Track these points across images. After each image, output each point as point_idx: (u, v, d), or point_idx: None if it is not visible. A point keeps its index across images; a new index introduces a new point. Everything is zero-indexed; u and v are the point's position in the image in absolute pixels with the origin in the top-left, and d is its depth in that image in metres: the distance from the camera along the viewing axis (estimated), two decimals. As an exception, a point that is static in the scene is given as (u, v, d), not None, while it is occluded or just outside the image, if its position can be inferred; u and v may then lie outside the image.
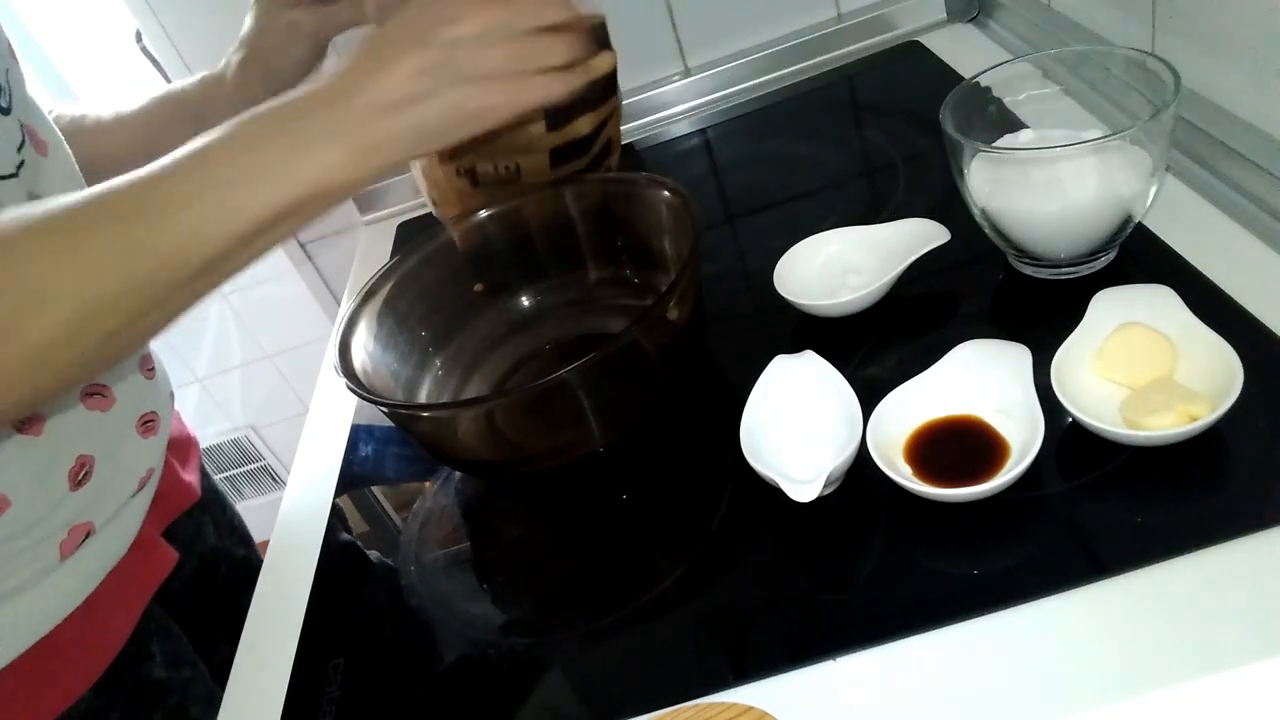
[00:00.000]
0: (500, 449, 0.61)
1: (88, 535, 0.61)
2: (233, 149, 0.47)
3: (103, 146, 0.72)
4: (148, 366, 0.69)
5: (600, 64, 0.59)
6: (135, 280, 0.44)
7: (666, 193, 0.67)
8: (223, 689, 0.61)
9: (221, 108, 0.70)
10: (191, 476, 0.77)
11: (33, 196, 0.57)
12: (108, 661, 0.63)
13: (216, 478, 1.93)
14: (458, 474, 0.69)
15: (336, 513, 0.71)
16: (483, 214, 0.75)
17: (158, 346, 0.72)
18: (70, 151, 0.65)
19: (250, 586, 0.69)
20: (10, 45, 0.60)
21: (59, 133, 0.64)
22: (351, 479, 0.74)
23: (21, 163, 0.56)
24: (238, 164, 0.46)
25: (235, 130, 0.47)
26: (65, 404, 0.59)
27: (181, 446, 0.77)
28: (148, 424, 0.67)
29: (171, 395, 0.74)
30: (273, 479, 1.75)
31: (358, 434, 0.78)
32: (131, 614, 0.66)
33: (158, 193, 0.45)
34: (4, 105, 0.57)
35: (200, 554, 0.77)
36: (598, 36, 0.60)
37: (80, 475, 0.60)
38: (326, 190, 0.48)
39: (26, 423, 0.57)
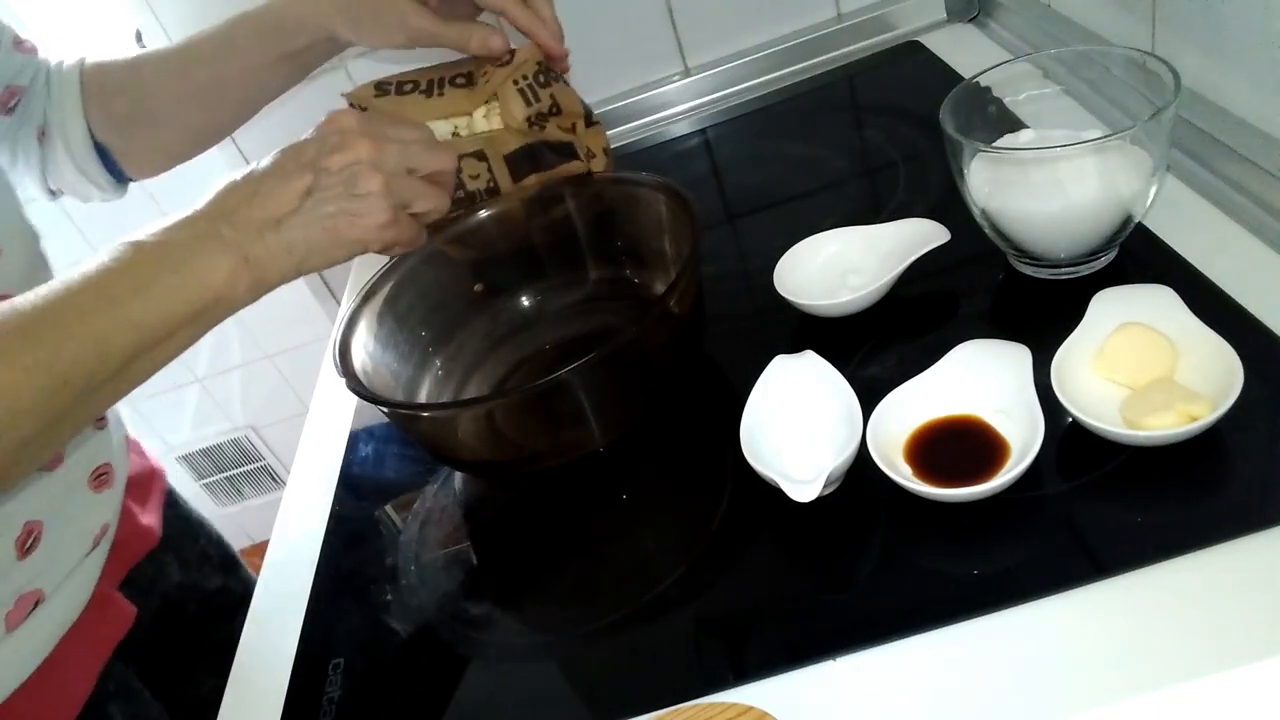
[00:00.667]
0: (500, 449, 0.61)
1: (37, 604, 0.59)
2: (125, 265, 0.48)
3: (182, 82, 0.72)
4: (98, 418, 0.66)
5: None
6: (44, 390, 0.45)
7: (666, 193, 0.67)
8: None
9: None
10: (151, 518, 0.74)
11: None
12: None
13: (216, 478, 1.92)
14: (458, 474, 0.69)
15: (336, 513, 0.71)
16: (483, 214, 0.75)
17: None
18: (14, 191, 0.65)
19: (230, 615, 0.66)
20: None
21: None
22: (351, 479, 0.74)
23: None
24: (129, 279, 0.48)
25: (128, 247, 0.49)
26: None
27: (142, 484, 0.75)
28: (100, 477, 0.65)
29: (126, 439, 0.72)
30: (273, 479, 1.75)
31: (358, 434, 0.78)
32: (88, 677, 0.63)
33: (57, 309, 0.46)
34: None
35: (163, 594, 0.74)
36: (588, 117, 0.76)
37: (28, 543, 0.58)
38: (217, 301, 0.50)
39: None
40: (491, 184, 0.75)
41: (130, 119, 0.73)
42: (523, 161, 0.76)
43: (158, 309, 0.48)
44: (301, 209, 0.52)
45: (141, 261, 0.49)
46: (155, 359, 0.50)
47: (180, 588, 0.76)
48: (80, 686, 0.62)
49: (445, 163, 0.58)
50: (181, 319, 0.49)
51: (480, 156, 0.75)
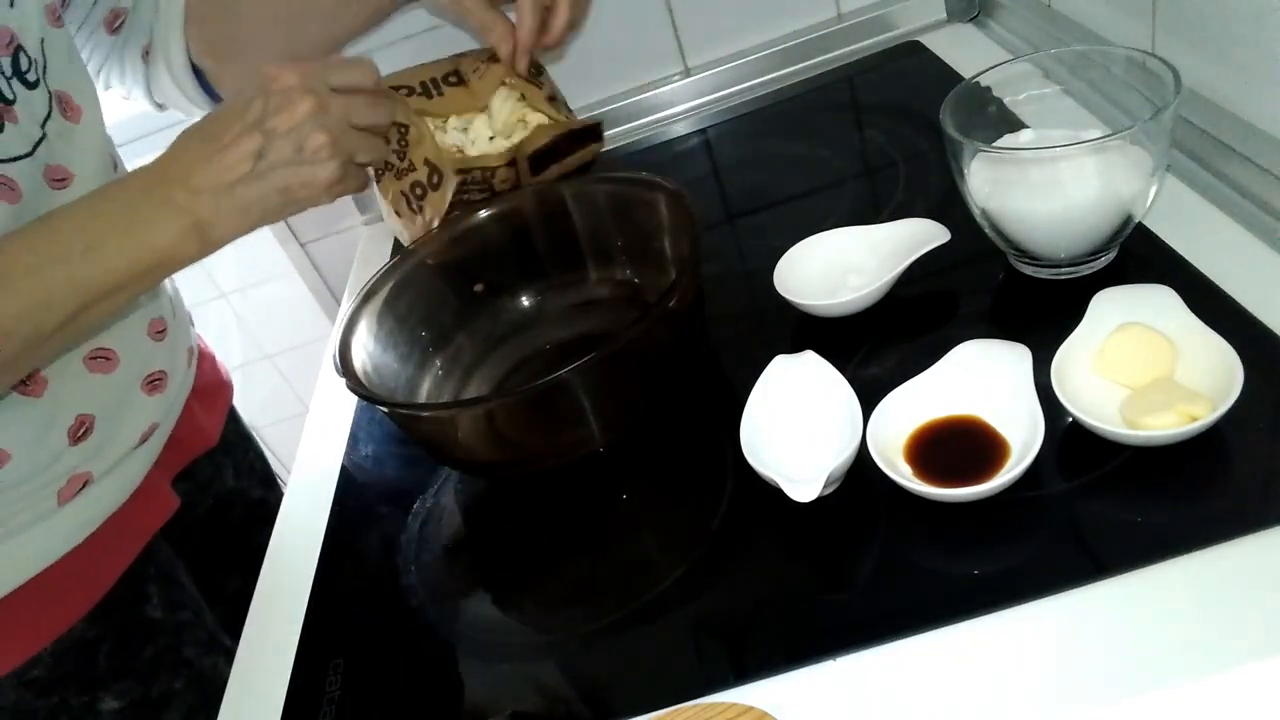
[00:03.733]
0: (500, 449, 0.61)
1: (85, 484, 0.65)
2: (77, 223, 0.52)
3: (271, 8, 0.75)
4: (156, 330, 0.72)
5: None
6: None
7: (666, 193, 0.67)
8: (236, 623, 0.64)
9: None
10: (212, 422, 0.81)
11: (53, 168, 0.60)
12: (99, 597, 0.67)
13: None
14: (458, 474, 0.69)
15: (336, 513, 0.71)
16: (483, 214, 0.75)
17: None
18: (102, 117, 0.68)
19: (266, 525, 0.71)
20: (53, 7, 0.62)
21: (99, 94, 0.68)
22: (351, 479, 0.74)
23: (42, 138, 0.59)
24: (81, 237, 0.51)
25: (81, 206, 0.53)
26: (67, 367, 0.63)
27: (210, 392, 0.82)
28: (154, 383, 0.70)
29: (191, 350, 0.78)
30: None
31: (358, 434, 0.78)
32: (127, 555, 0.69)
33: (5, 266, 0.50)
34: (32, 79, 0.59)
35: (216, 495, 0.82)
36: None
37: (80, 432, 0.64)
38: (162, 263, 0.54)
39: (28, 383, 0.60)
40: (516, 184, 0.78)
41: (223, 43, 0.76)
42: (544, 157, 0.77)
43: (105, 269, 0.51)
44: (254, 171, 0.54)
45: (93, 222, 0.52)
46: (102, 312, 0.53)
47: (231, 492, 0.84)
48: (118, 562, 0.69)
49: (383, 117, 0.61)
50: (128, 277, 0.52)
51: (511, 163, 0.76)
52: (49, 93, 0.61)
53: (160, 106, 0.80)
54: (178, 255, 0.54)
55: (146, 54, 0.75)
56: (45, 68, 0.60)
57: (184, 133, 0.56)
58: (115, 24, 0.73)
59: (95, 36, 0.73)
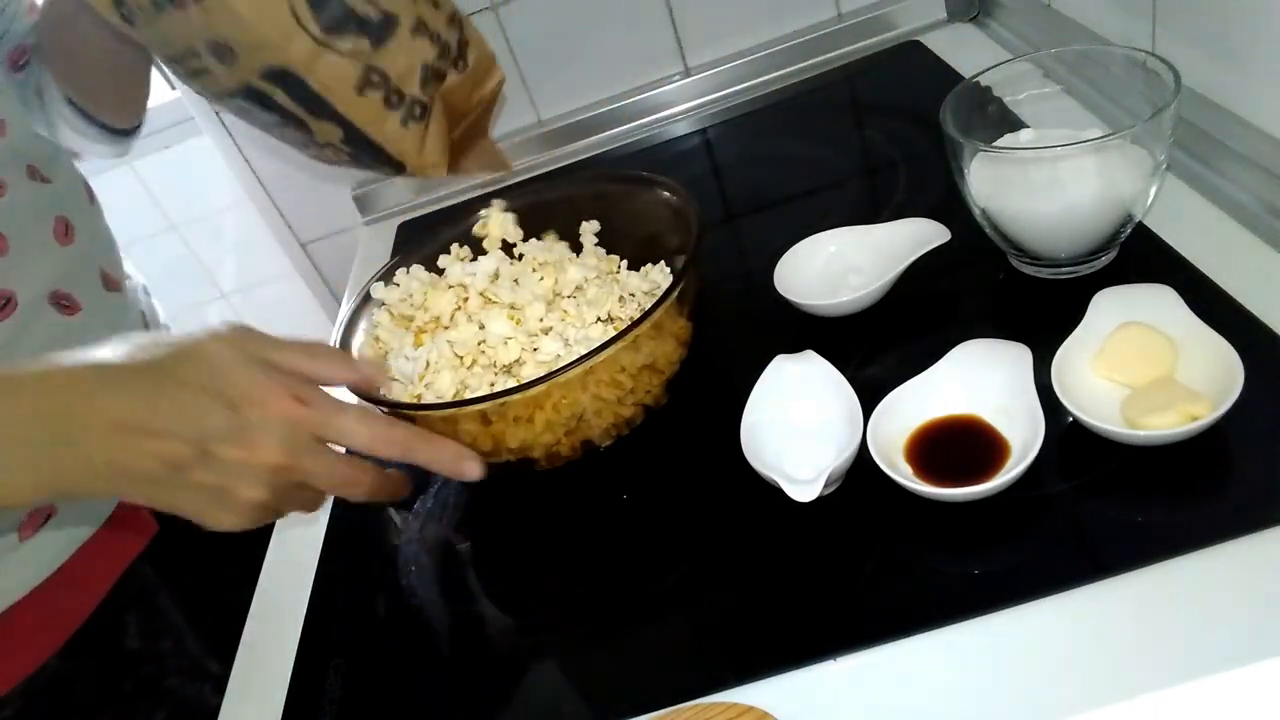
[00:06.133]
0: (500, 448, 0.61)
1: (48, 518, 0.62)
2: None
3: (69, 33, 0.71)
4: None
5: None
6: None
7: (666, 193, 0.67)
8: (229, 645, 0.62)
9: None
10: None
11: None
12: (68, 635, 0.64)
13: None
14: (458, 474, 0.69)
15: (336, 513, 0.71)
16: (483, 213, 0.74)
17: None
18: (29, 126, 0.66)
19: (257, 543, 0.69)
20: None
21: (18, 108, 0.65)
22: (351, 479, 0.74)
23: None
24: None
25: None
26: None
27: None
28: None
29: None
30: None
31: (358, 434, 0.78)
32: (101, 586, 0.66)
33: None
34: None
35: None
36: None
37: None
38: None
39: None
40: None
41: (67, 69, 0.72)
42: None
43: None
44: (159, 476, 0.43)
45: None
46: None
47: None
48: (92, 594, 0.65)
49: (355, 479, 0.49)
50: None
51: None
52: None
53: (75, 155, 0.76)
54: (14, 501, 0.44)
55: (39, 94, 0.74)
56: None
57: (132, 355, 0.44)
58: (20, 61, 0.72)
59: (3, 74, 0.71)
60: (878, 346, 0.63)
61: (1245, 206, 0.61)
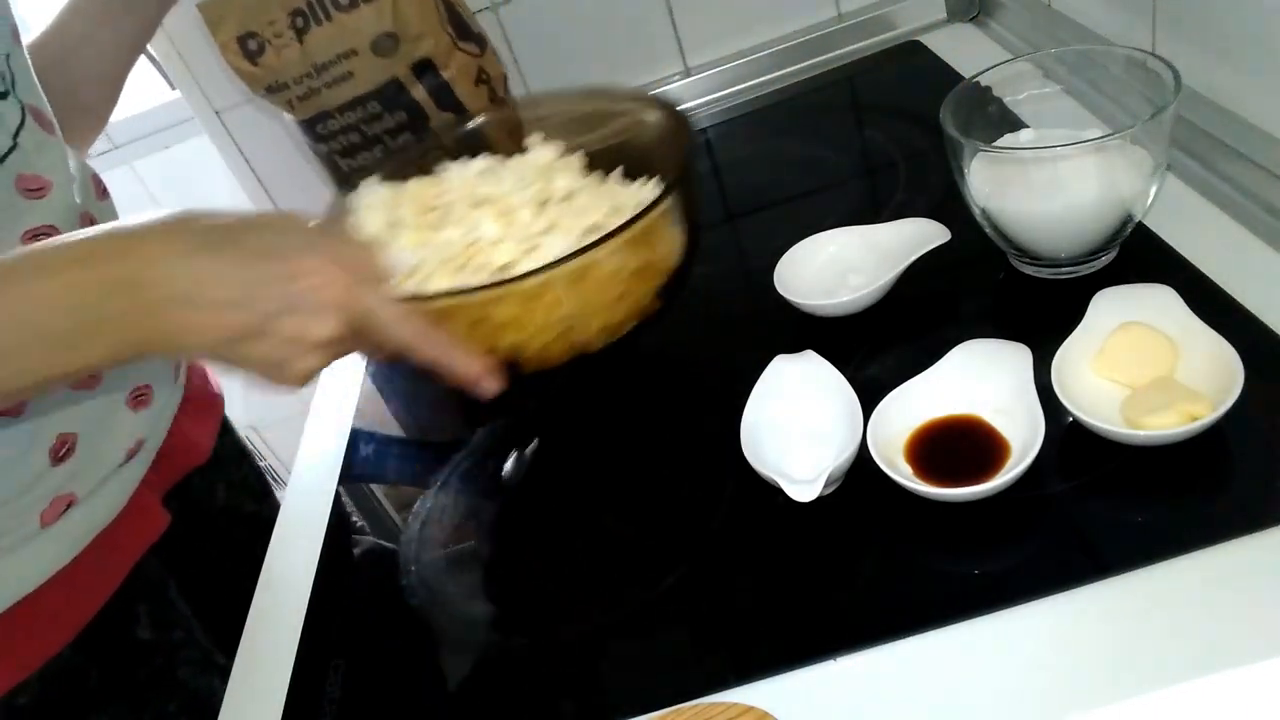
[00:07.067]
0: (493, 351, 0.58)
1: (69, 505, 0.63)
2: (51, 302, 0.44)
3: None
4: None
5: None
6: None
7: (658, 111, 0.65)
8: (233, 639, 0.63)
9: None
10: (203, 436, 0.79)
11: (26, 177, 0.59)
12: (85, 621, 0.65)
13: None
14: (458, 474, 0.69)
15: (336, 513, 0.71)
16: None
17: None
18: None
19: (259, 540, 0.70)
20: (15, 28, 0.61)
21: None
22: (351, 479, 0.74)
23: (14, 146, 0.58)
24: (51, 320, 0.44)
25: (56, 278, 0.44)
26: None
27: (200, 405, 0.79)
28: (139, 397, 0.68)
29: (178, 366, 0.76)
30: (273, 479, 1.75)
31: (358, 434, 0.78)
32: (115, 576, 0.67)
33: None
34: (3, 89, 0.58)
35: (209, 510, 0.80)
36: None
37: (61, 452, 0.61)
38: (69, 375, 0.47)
39: None
40: None
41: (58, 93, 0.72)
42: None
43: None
44: (216, 349, 0.47)
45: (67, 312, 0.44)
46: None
47: (224, 507, 0.82)
48: (106, 584, 0.66)
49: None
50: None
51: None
52: (20, 104, 0.60)
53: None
54: (83, 369, 0.47)
55: None
56: (14, 81, 0.60)
57: (205, 231, 0.46)
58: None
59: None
60: (878, 346, 0.63)
61: (1246, 206, 0.61)
